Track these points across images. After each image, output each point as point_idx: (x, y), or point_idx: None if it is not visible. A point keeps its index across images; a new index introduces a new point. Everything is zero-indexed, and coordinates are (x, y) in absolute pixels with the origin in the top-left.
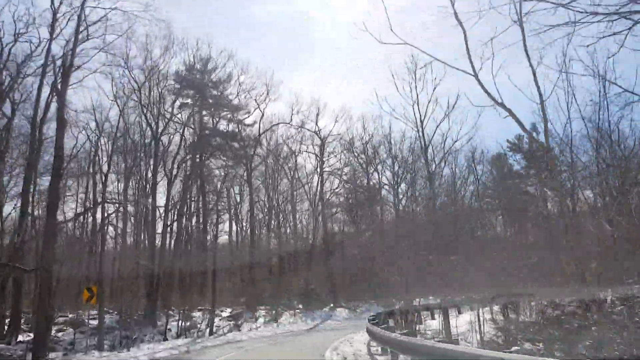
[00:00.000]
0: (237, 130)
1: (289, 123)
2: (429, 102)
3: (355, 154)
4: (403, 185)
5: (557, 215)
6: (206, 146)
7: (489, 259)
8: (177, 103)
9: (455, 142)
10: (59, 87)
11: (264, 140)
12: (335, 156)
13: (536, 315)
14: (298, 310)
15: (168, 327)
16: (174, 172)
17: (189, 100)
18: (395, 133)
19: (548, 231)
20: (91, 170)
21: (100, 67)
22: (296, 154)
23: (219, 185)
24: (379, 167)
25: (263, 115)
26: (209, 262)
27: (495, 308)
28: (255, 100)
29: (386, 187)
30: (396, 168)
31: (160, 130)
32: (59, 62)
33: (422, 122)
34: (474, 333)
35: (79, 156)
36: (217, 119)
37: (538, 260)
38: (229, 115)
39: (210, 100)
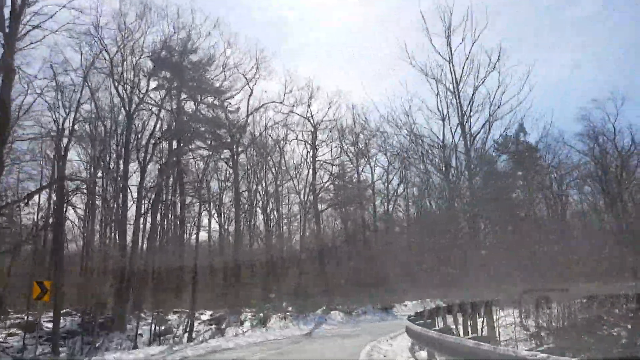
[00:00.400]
0: (220, 115)
1: (281, 102)
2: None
3: (348, 143)
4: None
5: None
6: (185, 133)
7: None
8: (153, 84)
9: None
10: (7, 29)
11: (251, 125)
12: (327, 145)
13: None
14: (288, 313)
15: (139, 331)
16: (148, 157)
17: (165, 83)
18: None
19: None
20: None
21: (65, 25)
22: (285, 142)
23: (199, 176)
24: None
25: (252, 92)
26: (188, 258)
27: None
28: (243, 75)
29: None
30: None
31: (133, 107)
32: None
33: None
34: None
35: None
36: (198, 104)
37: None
38: (211, 100)
39: (191, 83)
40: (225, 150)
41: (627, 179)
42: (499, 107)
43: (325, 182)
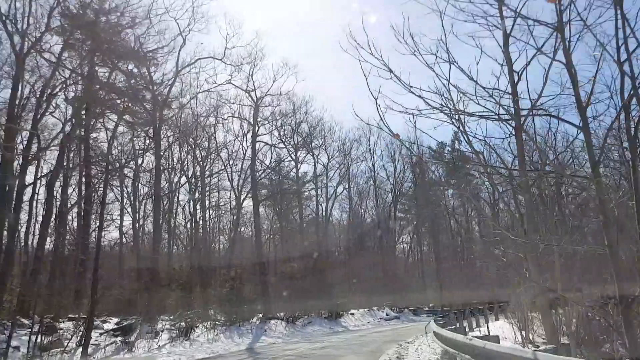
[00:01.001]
0: (143, 85)
1: (220, 59)
2: None
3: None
4: None
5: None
6: (96, 104)
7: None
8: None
9: None
10: None
11: (179, 88)
12: (266, 128)
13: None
14: (218, 322)
15: (15, 343)
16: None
17: (76, 43)
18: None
19: None
20: None
21: None
22: (222, 118)
23: (110, 156)
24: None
25: (184, 43)
26: (89, 254)
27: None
28: (175, 20)
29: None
30: None
31: (26, 49)
32: None
33: None
34: None
35: None
36: (113, 70)
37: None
38: (132, 68)
39: (106, 46)
40: (147, 129)
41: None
42: None
43: (260, 173)
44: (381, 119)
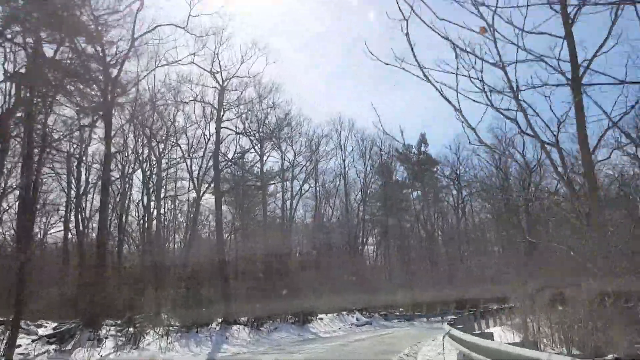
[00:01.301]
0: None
1: (183, 28)
2: None
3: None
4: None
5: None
6: (41, 83)
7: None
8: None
9: None
10: None
11: (135, 65)
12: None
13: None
14: (172, 329)
15: None
16: None
17: (19, 14)
18: None
19: None
20: None
21: None
22: (183, 102)
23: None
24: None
25: (142, 6)
26: (28, 248)
27: None
28: None
29: None
30: None
31: None
32: None
33: None
34: None
35: None
36: (60, 46)
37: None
38: (83, 45)
39: (52, 20)
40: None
41: (532, 191)
42: None
43: (223, 164)
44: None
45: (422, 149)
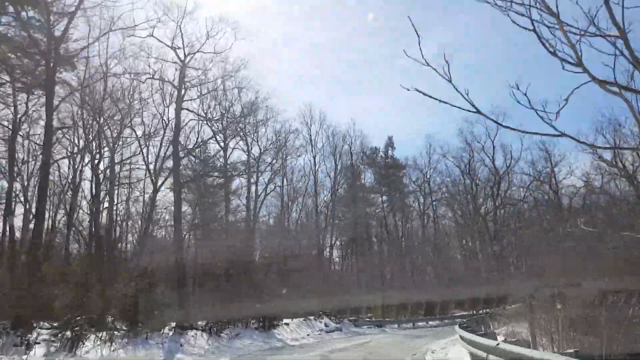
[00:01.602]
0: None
1: None
2: None
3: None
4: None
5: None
6: None
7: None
8: None
9: None
10: None
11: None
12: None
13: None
14: (118, 333)
15: None
16: None
17: None
18: None
19: None
20: None
21: None
22: (139, 80)
23: None
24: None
25: None
26: None
27: None
28: None
29: None
30: None
31: None
32: None
33: None
34: None
35: None
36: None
37: None
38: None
39: None
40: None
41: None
42: None
43: (183, 154)
44: None
45: (389, 152)
